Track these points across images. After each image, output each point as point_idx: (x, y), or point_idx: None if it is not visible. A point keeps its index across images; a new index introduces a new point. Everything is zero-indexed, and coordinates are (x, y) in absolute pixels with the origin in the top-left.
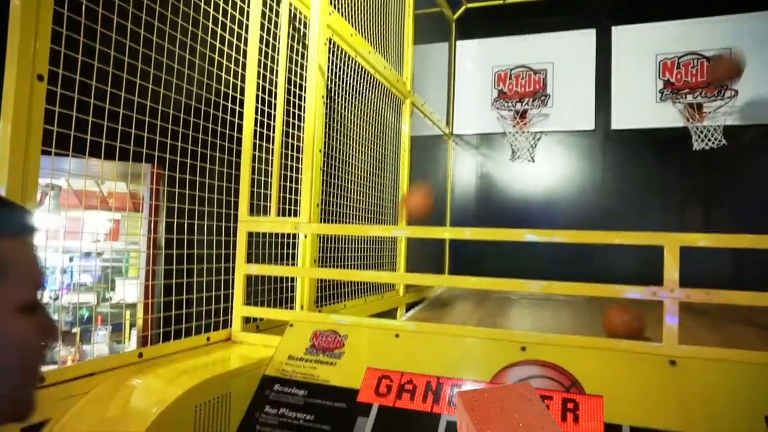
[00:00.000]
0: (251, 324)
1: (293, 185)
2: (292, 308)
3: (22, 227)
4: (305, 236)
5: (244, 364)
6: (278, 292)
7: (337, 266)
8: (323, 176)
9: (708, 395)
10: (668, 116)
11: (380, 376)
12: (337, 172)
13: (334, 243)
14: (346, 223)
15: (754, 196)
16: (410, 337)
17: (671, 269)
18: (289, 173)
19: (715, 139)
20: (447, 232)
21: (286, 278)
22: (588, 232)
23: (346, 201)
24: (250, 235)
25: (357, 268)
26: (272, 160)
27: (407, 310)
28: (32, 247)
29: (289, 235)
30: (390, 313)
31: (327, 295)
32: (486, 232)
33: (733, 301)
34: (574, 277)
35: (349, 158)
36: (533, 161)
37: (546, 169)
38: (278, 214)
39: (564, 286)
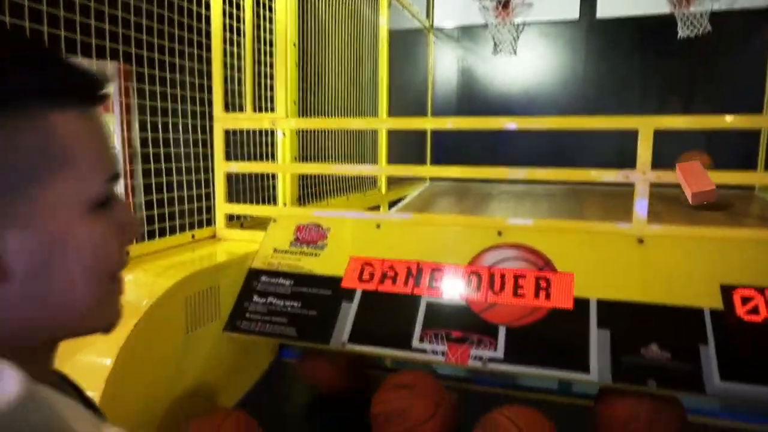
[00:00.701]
0: (235, 222)
1: (270, 81)
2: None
3: (88, 95)
4: (284, 133)
5: (230, 258)
6: (261, 191)
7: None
8: (299, 72)
9: (670, 269)
10: (655, 2)
11: (363, 264)
12: (313, 68)
13: (314, 140)
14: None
15: (734, 85)
16: (391, 228)
17: (644, 152)
18: (265, 68)
19: (701, 26)
20: (429, 123)
21: (268, 177)
22: (564, 118)
23: (324, 98)
24: (229, 134)
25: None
26: (244, 54)
27: (390, 208)
28: (100, 122)
29: (269, 134)
30: (372, 211)
31: (309, 193)
32: (467, 121)
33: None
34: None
35: (325, 54)
36: (515, 54)
37: (528, 62)
38: (254, 111)
39: (543, 173)
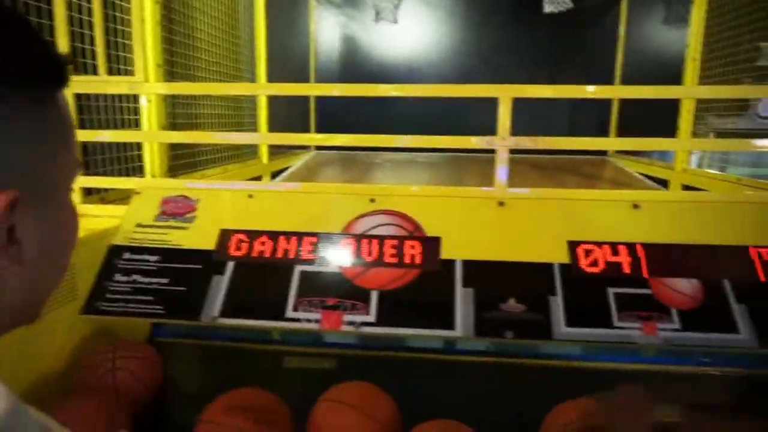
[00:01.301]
0: (94, 196)
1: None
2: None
3: (66, 75)
4: (148, 99)
5: (87, 234)
6: (125, 162)
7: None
8: (167, 33)
9: (527, 229)
10: None
11: (234, 235)
12: (183, 29)
13: (185, 109)
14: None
15: (592, 57)
16: (264, 198)
17: (504, 119)
18: (125, 28)
19: (564, 2)
20: (313, 89)
21: (135, 147)
22: (428, 86)
23: (196, 63)
24: (90, 99)
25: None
26: (92, 7)
27: (273, 178)
28: None
29: (134, 100)
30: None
31: (181, 165)
32: (353, 87)
33: (555, 146)
34: None
35: (196, 14)
36: (396, 22)
37: (410, 31)
38: (108, 73)
39: (422, 140)
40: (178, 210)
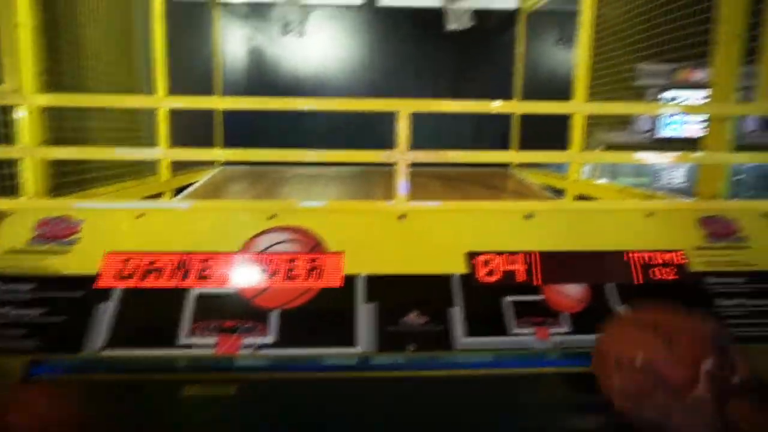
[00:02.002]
0: None
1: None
2: None
3: None
4: (25, 111)
5: None
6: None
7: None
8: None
9: (427, 240)
10: None
11: (122, 259)
12: (70, 36)
13: (73, 122)
14: None
15: (491, 74)
16: (156, 217)
17: (403, 133)
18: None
19: (465, 21)
20: (222, 102)
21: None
22: (330, 100)
23: (84, 72)
24: None
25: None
26: None
27: (175, 196)
28: None
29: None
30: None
31: (69, 182)
32: (263, 101)
33: (452, 160)
34: None
35: (85, 21)
36: (304, 36)
37: (318, 45)
38: None
39: (323, 155)
40: (57, 232)
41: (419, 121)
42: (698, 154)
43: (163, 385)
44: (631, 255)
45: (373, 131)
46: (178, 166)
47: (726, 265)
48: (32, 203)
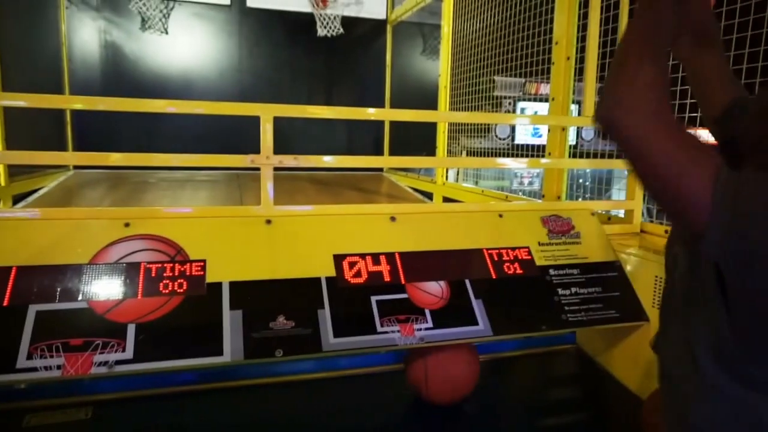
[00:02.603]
0: None
1: None
2: None
3: None
4: None
5: None
6: None
7: None
8: None
9: (294, 246)
10: (298, 1)
11: None
12: None
13: None
14: None
15: (364, 80)
16: None
17: (267, 137)
18: None
19: (335, 28)
20: (77, 102)
21: None
22: (203, 103)
23: None
24: None
25: None
26: None
27: (15, 204)
28: None
29: None
30: None
31: None
32: (125, 102)
33: (317, 164)
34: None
35: None
36: (166, 33)
37: (184, 43)
38: None
39: (180, 159)
40: None
41: (292, 126)
42: (542, 160)
43: (6, 415)
44: (486, 252)
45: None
46: (20, 170)
47: (564, 259)
48: None
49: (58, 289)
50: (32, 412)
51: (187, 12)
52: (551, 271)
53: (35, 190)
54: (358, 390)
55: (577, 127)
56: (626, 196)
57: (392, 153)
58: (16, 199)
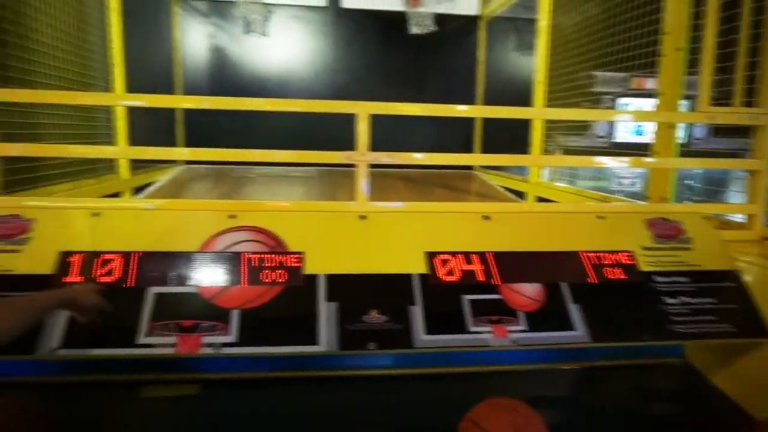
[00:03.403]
0: None
1: None
2: None
3: None
4: None
5: None
6: None
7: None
8: None
9: (387, 241)
10: (391, 0)
11: (78, 257)
12: (17, 30)
13: (23, 118)
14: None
15: (455, 77)
16: (112, 216)
17: (363, 135)
18: None
19: (427, 25)
20: (186, 101)
21: None
22: (300, 101)
23: (34, 67)
24: None
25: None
26: None
27: (135, 195)
28: None
29: None
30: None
31: (20, 179)
32: (229, 101)
33: (411, 161)
34: None
35: (31, 15)
36: (266, 35)
37: (282, 45)
38: None
39: (282, 155)
40: (6, 231)
41: (383, 124)
42: (647, 159)
43: (122, 387)
44: (584, 255)
45: (339, 133)
46: (139, 165)
47: (672, 265)
48: None
49: (172, 274)
50: (148, 384)
51: (285, 14)
52: (657, 278)
53: (151, 183)
54: (446, 388)
55: (688, 125)
56: (747, 199)
57: (483, 152)
58: (136, 191)
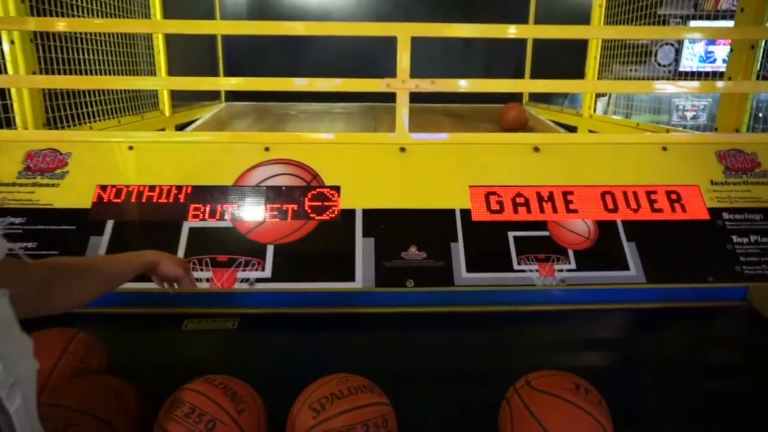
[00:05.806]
0: None
1: None
2: None
3: None
4: (12, 41)
5: None
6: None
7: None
8: None
9: (428, 174)
10: None
11: (113, 191)
12: None
13: (61, 53)
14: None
15: (507, 5)
16: (146, 150)
17: (403, 60)
18: None
19: None
20: (223, 27)
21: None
22: (339, 24)
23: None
24: None
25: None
26: None
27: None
28: None
29: None
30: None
31: (64, 116)
32: (268, 25)
33: (454, 89)
34: None
35: None
36: None
37: None
38: None
39: (328, 83)
40: (47, 166)
41: (428, 56)
42: (718, 83)
43: (166, 319)
44: (643, 190)
45: (386, 71)
46: (180, 103)
47: (743, 201)
48: (19, 135)
49: (207, 208)
50: (189, 318)
51: None
52: (725, 215)
53: (193, 121)
54: (489, 328)
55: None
56: None
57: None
58: (179, 129)
